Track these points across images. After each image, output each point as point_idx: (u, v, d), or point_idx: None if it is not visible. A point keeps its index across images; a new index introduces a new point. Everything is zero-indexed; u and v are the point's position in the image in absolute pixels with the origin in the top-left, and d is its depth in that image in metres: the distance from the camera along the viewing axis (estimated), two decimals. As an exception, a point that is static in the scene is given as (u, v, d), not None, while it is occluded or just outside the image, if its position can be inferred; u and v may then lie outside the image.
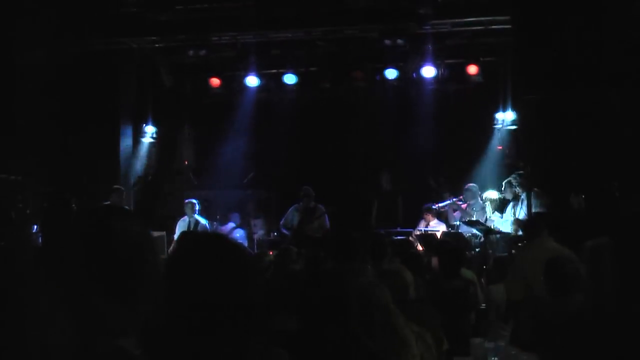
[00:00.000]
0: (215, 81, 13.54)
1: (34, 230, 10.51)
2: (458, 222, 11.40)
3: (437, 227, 11.42)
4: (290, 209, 12.13)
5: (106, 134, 12.71)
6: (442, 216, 11.86)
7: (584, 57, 8.70)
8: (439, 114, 13.16)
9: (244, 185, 14.05)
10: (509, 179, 10.61)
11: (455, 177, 12.57)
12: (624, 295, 2.56)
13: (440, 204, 11.89)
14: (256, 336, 1.97)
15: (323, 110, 13.80)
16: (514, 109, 12.08)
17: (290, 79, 13.16)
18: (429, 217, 11.60)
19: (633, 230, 2.61)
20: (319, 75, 13.44)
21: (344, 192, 13.24)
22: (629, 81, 8.54)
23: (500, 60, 12.29)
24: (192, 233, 8.45)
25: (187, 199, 12.60)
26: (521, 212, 10.23)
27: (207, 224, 12.21)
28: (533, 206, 9.83)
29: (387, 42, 11.66)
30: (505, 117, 12.50)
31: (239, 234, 12.55)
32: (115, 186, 11.69)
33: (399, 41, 11.65)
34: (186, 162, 14.90)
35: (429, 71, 12.53)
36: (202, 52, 12.17)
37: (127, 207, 11.49)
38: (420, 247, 10.10)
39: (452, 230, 11.21)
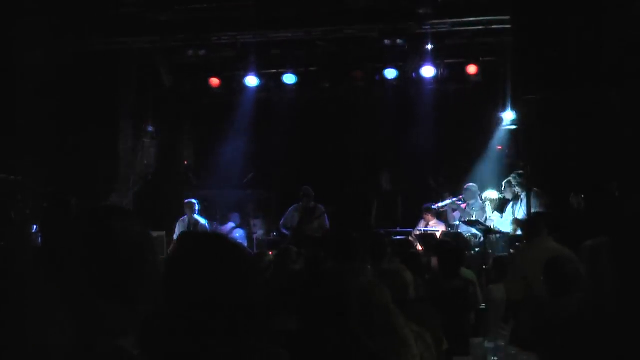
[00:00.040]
0: (215, 81, 13.54)
1: (33, 230, 10.50)
2: (458, 222, 11.40)
3: (437, 227, 11.42)
4: (290, 209, 12.12)
5: (106, 134, 12.70)
6: (441, 216, 11.86)
7: (584, 57, 8.69)
8: (438, 114, 13.16)
9: (243, 185, 14.04)
10: (509, 178, 10.61)
11: (454, 177, 12.57)
12: (623, 295, 2.56)
13: (440, 204, 11.89)
14: (256, 336, 1.98)
15: (323, 110, 13.80)
16: (513, 108, 12.07)
17: (289, 78, 13.16)
18: (429, 217, 11.60)
19: (633, 230, 2.61)
20: (318, 75, 13.45)
21: (344, 192, 13.24)
22: (629, 81, 8.54)
23: (499, 60, 12.28)
24: (192, 233, 8.44)
25: (186, 199, 12.60)
26: (521, 212, 10.23)
27: (206, 224, 12.21)
28: (533, 206, 9.82)
29: (387, 42, 11.66)
30: (505, 117, 12.50)
31: (238, 234, 12.55)
32: (115, 186, 11.69)
33: (399, 41, 11.64)
34: (186, 162, 14.90)
35: (428, 71, 12.53)
36: (202, 52, 12.16)
37: (126, 207, 11.49)
38: (419, 247, 10.10)
39: (451, 230, 11.22)
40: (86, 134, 11.93)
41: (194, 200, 12.40)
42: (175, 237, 11.66)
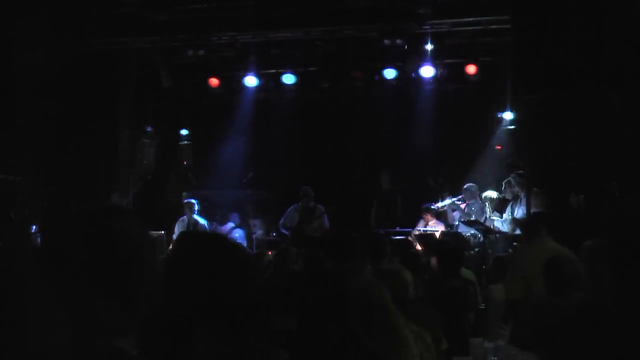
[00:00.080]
0: (214, 81, 13.54)
1: (33, 231, 10.50)
2: (457, 222, 11.40)
3: (436, 227, 11.41)
4: (289, 209, 12.12)
5: (105, 134, 12.71)
6: (441, 216, 11.85)
7: (584, 57, 8.69)
8: (438, 114, 13.15)
9: (243, 185, 14.03)
10: (509, 178, 10.62)
11: (454, 177, 12.56)
12: (623, 295, 2.56)
13: (439, 204, 11.88)
14: (256, 336, 1.97)
15: (322, 110, 13.80)
16: (513, 108, 12.07)
17: (289, 78, 13.16)
18: (428, 217, 11.59)
19: (633, 230, 2.60)
20: (318, 75, 13.45)
21: (343, 192, 13.23)
22: (629, 81, 8.54)
23: (499, 60, 12.27)
24: (191, 233, 8.43)
25: (186, 199, 12.59)
26: (520, 212, 10.24)
27: (206, 224, 12.20)
28: (532, 206, 9.83)
29: (387, 41, 11.66)
30: (505, 117, 12.51)
31: (238, 234, 12.54)
32: (114, 186, 11.69)
33: (398, 41, 11.65)
34: (185, 162, 14.90)
35: (427, 71, 12.52)
36: (201, 52, 12.16)
37: (126, 207, 11.49)
38: (419, 247, 10.09)
39: (451, 230, 11.21)
40: (86, 134, 11.93)
41: (193, 200, 12.40)
42: (174, 237, 11.65)
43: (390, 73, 12.83)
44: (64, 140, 11.56)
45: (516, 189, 10.42)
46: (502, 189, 10.77)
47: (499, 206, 11.03)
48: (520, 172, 10.40)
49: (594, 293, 3.41)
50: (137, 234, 1.83)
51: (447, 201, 11.87)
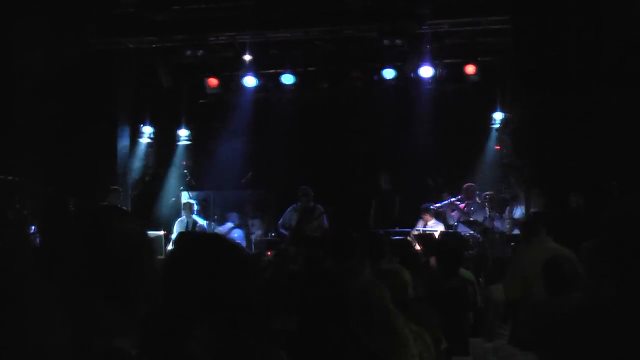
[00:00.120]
0: (213, 81, 13.53)
1: (31, 231, 10.49)
2: (456, 222, 11.40)
3: (436, 227, 11.41)
4: (288, 209, 12.11)
5: (104, 134, 12.70)
6: (440, 216, 11.85)
7: (584, 57, 8.70)
8: (437, 113, 13.15)
9: (242, 185, 14.03)
10: (508, 178, 10.62)
11: (453, 177, 12.57)
12: (623, 295, 2.56)
13: (439, 204, 11.88)
14: (256, 336, 1.97)
15: (321, 110, 13.79)
16: (512, 108, 12.08)
17: (288, 79, 13.16)
18: (427, 217, 11.59)
19: (633, 230, 2.60)
20: (317, 75, 13.45)
21: (343, 191, 13.23)
22: (628, 81, 8.55)
23: (498, 59, 12.29)
24: (190, 233, 8.44)
25: (185, 199, 12.58)
26: (519, 212, 10.24)
27: (205, 224, 12.20)
28: (531, 206, 9.83)
29: (386, 42, 11.66)
30: (503, 117, 12.51)
31: (237, 234, 12.53)
32: (113, 187, 11.68)
33: (397, 41, 11.65)
34: (184, 162, 14.89)
35: (426, 71, 12.53)
36: (200, 52, 12.16)
37: (124, 207, 11.49)
38: (418, 247, 10.09)
39: (450, 230, 11.21)
40: (84, 135, 11.92)
41: (192, 201, 12.39)
42: (173, 237, 11.65)
43: (389, 73, 12.83)
44: (63, 140, 11.56)
45: (515, 188, 10.42)
46: (501, 189, 10.77)
47: (498, 206, 11.03)
48: (519, 172, 10.41)
49: (593, 293, 3.40)
50: (136, 234, 1.83)
51: (446, 201, 11.87)
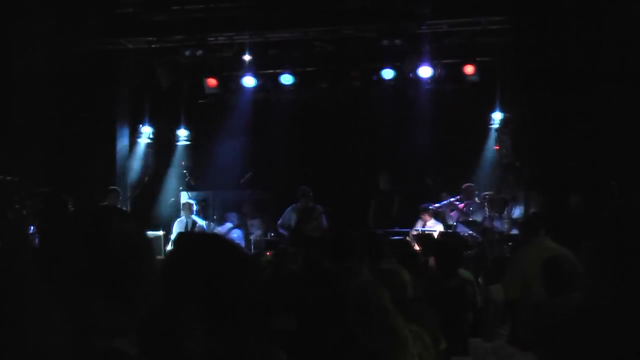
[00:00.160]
0: (212, 81, 13.54)
1: (30, 231, 10.48)
2: (455, 222, 11.40)
3: (435, 227, 11.41)
4: (287, 209, 12.11)
5: (103, 135, 12.70)
6: (439, 216, 11.85)
7: (584, 57, 8.70)
8: (436, 114, 13.15)
9: (241, 186, 14.02)
10: (507, 178, 10.61)
11: (452, 177, 12.57)
12: (623, 295, 2.56)
13: (438, 204, 11.88)
14: (255, 336, 1.97)
15: (320, 110, 13.80)
16: (511, 108, 12.08)
17: (287, 79, 13.16)
18: (426, 217, 11.59)
19: (632, 230, 2.60)
20: (316, 75, 13.45)
21: (342, 191, 13.23)
22: (628, 81, 8.55)
23: (497, 60, 12.29)
24: (190, 234, 8.44)
25: (184, 199, 12.58)
26: (518, 212, 10.23)
27: (204, 225, 12.20)
28: (531, 206, 9.82)
29: (385, 42, 11.66)
30: (502, 117, 12.51)
31: (236, 235, 12.52)
32: (112, 187, 11.68)
33: (397, 41, 11.65)
34: (183, 163, 14.89)
35: (425, 71, 12.53)
36: (199, 53, 12.15)
37: (124, 207, 11.48)
38: (417, 247, 10.09)
39: (449, 230, 11.21)
40: (83, 135, 11.93)
41: (191, 201, 12.39)
42: (173, 237, 11.65)
43: (388, 73, 12.84)
44: (60, 140, 11.56)
45: (514, 189, 10.42)
46: (501, 189, 10.77)
47: (498, 206, 11.03)
48: (519, 172, 10.40)
49: (593, 293, 3.40)
50: (135, 234, 1.83)
51: (445, 201, 11.87)
